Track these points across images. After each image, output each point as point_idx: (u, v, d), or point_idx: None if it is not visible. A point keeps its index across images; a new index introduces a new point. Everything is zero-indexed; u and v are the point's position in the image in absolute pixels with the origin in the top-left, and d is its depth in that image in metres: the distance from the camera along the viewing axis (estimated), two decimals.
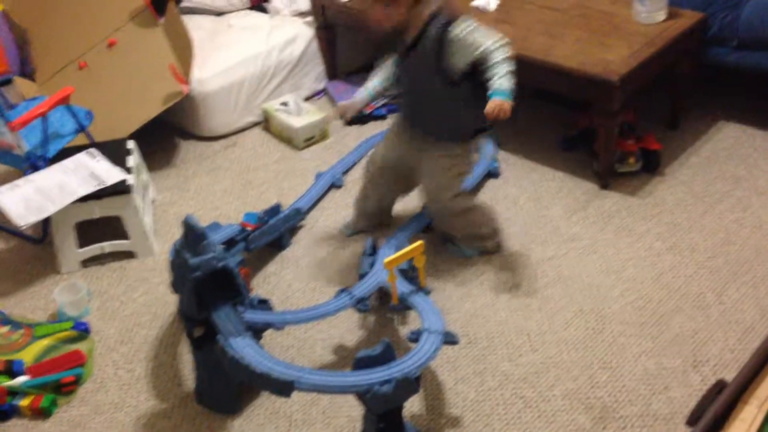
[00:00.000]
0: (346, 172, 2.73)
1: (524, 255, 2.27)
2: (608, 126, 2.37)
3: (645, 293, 2.08)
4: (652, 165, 2.51)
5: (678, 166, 2.55)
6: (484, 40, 1.88)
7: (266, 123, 3.04)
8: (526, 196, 2.51)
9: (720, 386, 1.45)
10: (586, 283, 2.14)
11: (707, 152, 2.60)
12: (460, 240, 2.26)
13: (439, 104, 2.03)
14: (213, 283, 1.77)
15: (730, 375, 1.79)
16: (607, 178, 2.49)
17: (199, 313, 1.78)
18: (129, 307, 2.27)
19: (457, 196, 2.15)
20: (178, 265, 1.79)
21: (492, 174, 2.61)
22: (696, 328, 1.96)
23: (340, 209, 2.56)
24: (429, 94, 2.03)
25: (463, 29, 1.88)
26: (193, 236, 1.75)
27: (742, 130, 2.67)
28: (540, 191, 2.52)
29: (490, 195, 2.53)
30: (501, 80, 1.86)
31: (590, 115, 2.61)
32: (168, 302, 2.26)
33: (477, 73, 1.92)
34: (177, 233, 2.45)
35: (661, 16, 2.50)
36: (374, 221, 2.41)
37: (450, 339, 1.81)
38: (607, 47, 2.40)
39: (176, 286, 1.85)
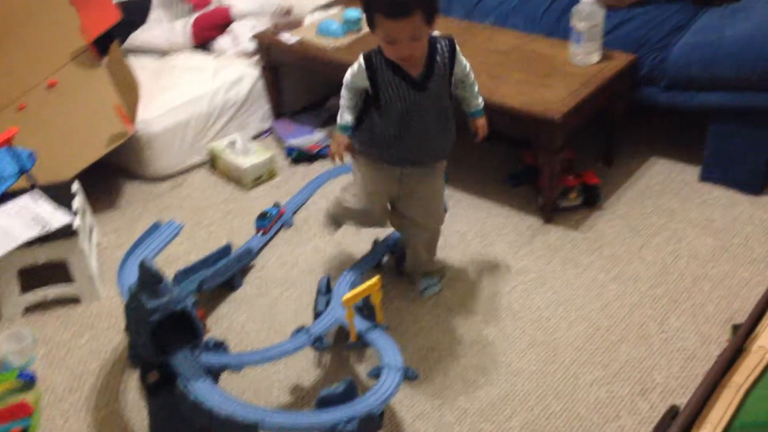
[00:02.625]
0: (295, 212, 2.74)
1: (475, 290, 2.32)
2: (551, 162, 2.46)
3: (593, 323, 2.16)
4: (592, 199, 2.62)
5: (615, 200, 2.66)
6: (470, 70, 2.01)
7: (213, 163, 3.03)
8: (474, 232, 2.57)
9: (673, 412, 1.51)
10: (537, 315, 2.20)
11: (642, 187, 2.72)
12: (431, 273, 2.31)
13: (441, 126, 2.03)
14: (171, 326, 1.75)
15: (676, 401, 1.87)
16: (551, 213, 2.57)
17: (157, 357, 1.75)
18: (76, 354, 2.21)
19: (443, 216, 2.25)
20: (134, 309, 1.77)
21: None
22: (641, 357, 2.04)
23: (291, 248, 2.57)
24: (437, 119, 2.00)
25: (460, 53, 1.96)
26: (149, 279, 1.74)
27: (672, 165, 2.81)
28: (487, 227, 2.59)
29: None
30: (479, 100, 2.06)
31: (534, 152, 2.71)
32: (117, 348, 2.21)
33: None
34: None
35: (596, 58, 2.62)
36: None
37: (409, 374, 1.84)
38: (548, 87, 2.50)
39: (131, 330, 1.82)
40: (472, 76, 2.03)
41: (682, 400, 1.81)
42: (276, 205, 2.68)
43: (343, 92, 1.99)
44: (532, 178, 2.74)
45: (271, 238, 2.60)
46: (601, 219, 2.57)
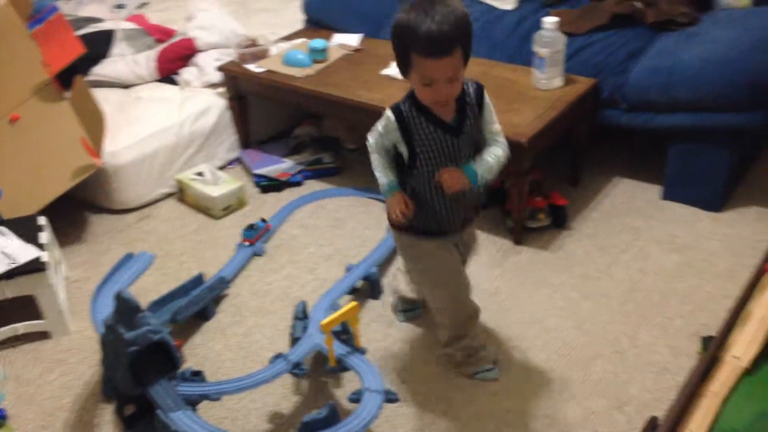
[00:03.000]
0: (266, 240, 2.73)
1: None
2: (519, 185, 2.51)
3: (568, 341, 2.19)
4: (560, 220, 2.67)
5: (582, 220, 2.72)
6: (499, 132, 1.85)
7: (181, 194, 3.02)
8: None
9: (653, 423, 1.54)
10: (512, 335, 2.23)
11: (607, 207, 2.79)
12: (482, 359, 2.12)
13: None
14: (148, 357, 1.73)
15: (652, 413, 1.89)
16: (520, 234, 2.62)
17: (135, 389, 1.73)
18: (47, 390, 2.16)
19: None
20: (111, 341, 1.75)
21: None
22: (616, 371, 2.08)
23: (264, 276, 2.56)
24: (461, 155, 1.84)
25: (489, 101, 1.83)
26: (126, 310, 1.72)
27: (636, 185, 2.88)
28: None
29: None
30: (481, 163, 1.80)
31: (500, 175, 2.75)
32: (88, 382, 2.17)
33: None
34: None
35: (558, 82, 2.69)
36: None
37: (390, 397, 1.84)
38: (514, 112, 2.56)
39: (108, 363, 1.80)
40: (498, 144, 1.84)
41: (657, 412, 1.84)
42: (263, 220, 2.74)
43: (373, 157, 1.84)
44: (499, 201, 2.79)
45: (243, 267, 2.59)
46: (569, 239, 2.62)
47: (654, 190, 2.82)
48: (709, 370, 1.48)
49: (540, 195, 2.67)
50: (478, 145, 1.84)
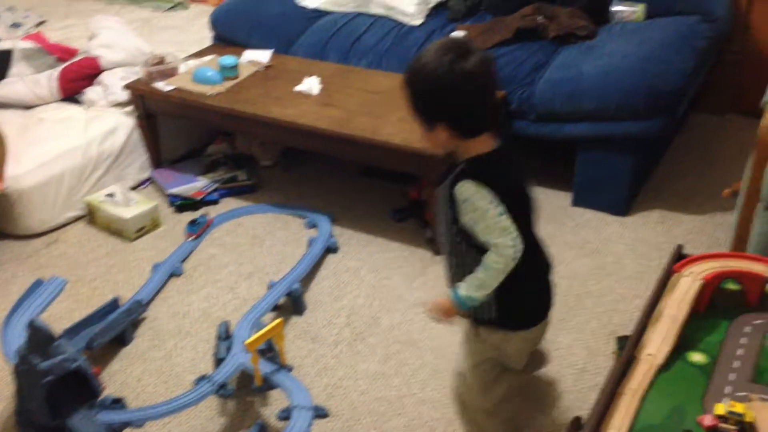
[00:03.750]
0: (184, 260, 2.68)
1: (373, 324, 2.35)
2: (436, 195, 2.55)
3: None
4: None
5: None
6: (485, 235, 1.50)
7: (91, 216, 2.92)
8: (367, 268, 2.61)
9: (577, 424, 1.59)
10: (436, 344, 2.26)
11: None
12: None
13: (456, 259, 1.63)
14: (65, 386, 1.67)
15: (574, 413, 1.96)
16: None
17: (54, 420, 1.66)
18: None
19: None
20: (25, 372, 1.67)
21: (331, 249, 2.69)
22: (537, 375, 2.14)
23: (182, 297, 2.50)
24: (450, 247, 1.63)
25: (469, 197, 1.49)
26: (40, 338, 1.65)
27: (546, 192, 2.98)
28: (378, 262, 2.64)
29: (332, 269, 2.61)
30: (467, 283, 1.55)
31: (418, 187, 2.80)
32: (0, 415, 2.06)
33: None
34: None
35: None
36: None
37: (319, 413, 1.83)
38: None
39: (22, 395, 1.72)
40: (486, 260, 1.50)
41: (579, 412, 1.90)
42: (204, 215, 2.81)
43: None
44: (417, 213, 2.83)
45: (161, 288, 2.53)
46: None
47: (564, 197, 2.93)
48: (627, 368, 1.55)
49: None
50: (455, 227, 1.56)
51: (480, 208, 1.47)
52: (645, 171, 3.00)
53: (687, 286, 1.66)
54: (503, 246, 1.48)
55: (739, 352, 1.55)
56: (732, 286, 1.71)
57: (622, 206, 2.81)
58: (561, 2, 3.06)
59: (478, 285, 1.53)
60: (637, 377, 1.51)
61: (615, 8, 3.06)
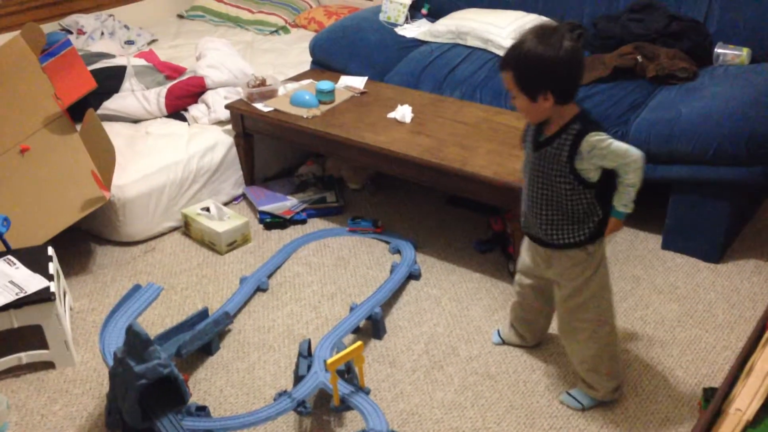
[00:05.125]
0: (270, 276, 2.76)
1: (452, 354, 2.36)
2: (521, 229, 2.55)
3: (569, 386, 2.21)
4: None
5: None
6: (617, 157, 1.84)
7: (186, 228, 3.05)
8: (448, 297, 2.62)
9: None
10: (514, 380, 2.25)
11: (608, 254, 2.80)
12: (591, 391, 2.16)
13: (550, 204, 1.95)
14: (157, 390, 1.75)
15: None
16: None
17: (143, 423, 1.74)
18: (50, 420, 2.16)
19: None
20: (120, 374, 1.76)
21: (413, 276, 2.72)
22: (618, 420, 2.10)
23: (267, 312, 2.58)
24: (544, 191, 1.95)
25: (598, 141, 1.83)
26: (137, 343, 1.74)
27: (636, 234, 2.93)
28: (460, 292, 2.65)
29: (414, 295, 2.63)
30: (621, 201, 1.91)
31: (502, 219, 2.80)
32: (92, 414, 2.17)
33: (605, 180, 1.90)
34: (97, 342, 2.41)
35: None
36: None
37: None
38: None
39: (117, 395, 1.81)
40: (628, 177, 1.87)
41: None
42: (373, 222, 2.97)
43: None
44: (501, 244, 2.83)
45: (247, 302, 2.61)
46: None
47: (654, 240, 2.87)
48: (714, 422, 1.51)
49: None
50: (553, 180, 1.91)
51: (605, 146, 1.82)
52: (742, 218, 2.91)
53: None
54: (635, 161, 1.84)
55: None
56: None
57: (715, 253, 2.73)
58: (662, 43, 3.02)
59: (630, 201, 1.91)
60: None
61: (718, 51, 3.00)
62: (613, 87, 2.91)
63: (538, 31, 1.80)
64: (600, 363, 2.08)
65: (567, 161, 1.86)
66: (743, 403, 1.52)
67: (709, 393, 2.01)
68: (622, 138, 2.75)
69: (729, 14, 3.06)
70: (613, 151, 1.82)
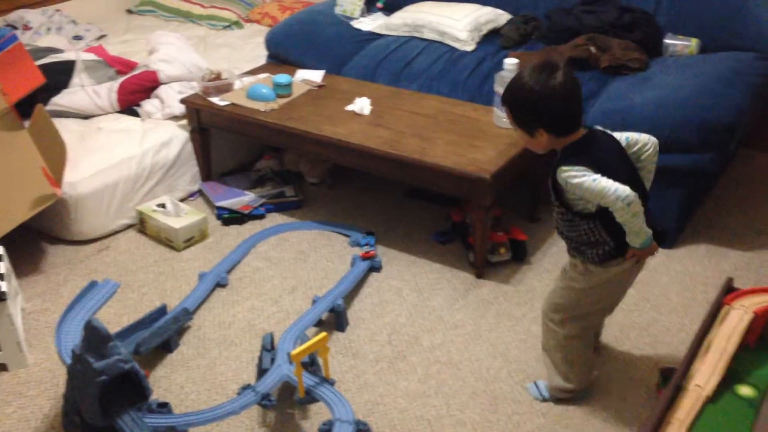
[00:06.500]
0: (229, 271, 2.72)
1: (414, 343, 2.36)
2: (482, 219, 2.57)
3: (531, 372, 2.23)
4: (520, 254, 2.74)
5: (542, 255, 2.79)
6: (592, 195, 1.77)
7: (141, 225, 2.99)
8: (409, 288, 2.63)
9: None
10: (476, 367, 2.26)
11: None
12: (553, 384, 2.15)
13: (563, 220, 1.92)
14: (118, 386, 1.71)
15: None
16: (482, 268, 2.67)
17: (104, 420, 1.70)
18: (4, 423, 2.09)
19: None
20: (79, 371, 1.72)
21: (374, 268, 2.72)
22: (579, 403, 2.12)
23: (227, 307, 2.55)
24: (558, 208, 1.91)
25: (567, 177, 1.77)
26: (96, 339, 1.70)
27: None
28: (421, 283, 2.66)
29: (375, 287, 2.63)
30: (627, 235, 1.81)
31: (462, 210, 2.82)
32: (48, 415, 2.11)
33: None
34: (51, 342, 2.35)
35: None
36: None
37: (361, 427, 1.85)
38: (477, 148, 2.63)
39: (75, 393, 1.76)
40: (618, 215, 1.77)
41: None
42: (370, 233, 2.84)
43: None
44: (461, 235, 2.85)
45: (206, 298, 2.58)
46: (529, 273, 2.69)
47: None
48: (674, 398, 1.54)
49: (501, 230, 2.74)
50: (555, 200, 1.89)
51: (576, 183, 1.76)
52: (693, 204, 2.98)
53: (737, 318, 1.66)
54: (612, 202, 1.74)
55: None
56: None
57: (668, 239, 2.78)
58: (614, 34, 3.07)
59: (632, 236, 1.81)
60: (684, 408, 1.51)
61: (668, 41, 3.06)
62: None
63: (534, 67, 1.79)
64: (553, 356, 2.08)
65: (553, 192, 1.87)
66: (702, 379, 1.56)
67: (665, 374, 2.05)
68: None
69: (678, 6, 3.13)
70: (587, 189, 1.75)
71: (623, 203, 1.73)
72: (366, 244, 2.66)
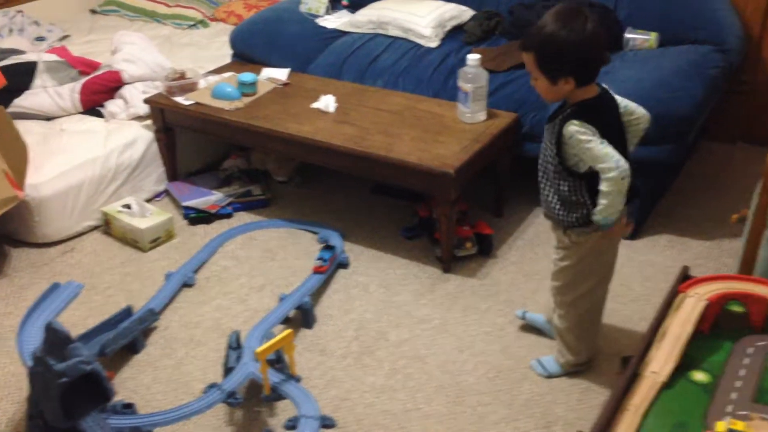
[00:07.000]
0: (197, 271, 2.72)
1: (381, 339, 2.38)
2: (447, 214, 2.59)
3: (495, 364, 2.26)
4: (486, 248, 2.76)
5: (507, 248, 2.82)
6: (591, 159, 1.83)
7: (107, 226, 2.97)
8: (376, 283, 2.64)
9: None
10: (442, 360, 2.28)
11: (530, 235, 2.90)
12: (562, 359, 2.22)
13: (549, 179, 1.96)
14: (79, 389, 1.70)
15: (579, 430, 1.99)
16: (449, 262, 2.69)
17: (66, 422, 1.69)
18: None
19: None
20: (41, 374, 1.71)
21: (341, 264, 2.73)
22: (542, 392, 2.16)
23: (194, 307, 2.54)
24: (545, 166, 1.96)
25: (576, 132, 1.82)
26: (57, 341, 1.69)
27: None
28: (388, 278, 2.67)
29: (342, 283, 2.64)
30: (599, 210, 1.88)
31: (428, 205, 2.84)
32: (12, 419, 2.10)
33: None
34: (14, 345, 2.33)
35: (482, 116, 2.81)
36: None
37: (327, 423, 1.86)
38: (441, 144, 2.65)
39: (37, 395, 1.75)
40: (603, 185, 1.84)
41: (583, 429, 1.92)
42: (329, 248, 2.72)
43: None
44: (427, 230, 2.86)
45: (173, 298, 2.57)
46: (495, 266, 2.71)
47: None
48: (630, 385, 1.57)
49: (467, 225, 2.76)
50: (549, 157, 1.92)
51: (584, 140, 1.81)
52: (655, 196, 3.02)
53: (691, 306, 1.69)
54: (608, 169, 1.80)
55: (742, 372, 1.57)
56: (737, 308, 1.73)
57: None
58: None
59: (605, 208, 1.86)
60: (640, 394, 1.53)
61: (628, 36, 3.10)
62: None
63: (561, 14, 1.79)
64: (566, 337, 2.16)
65: (555, 142, 1.87)
66: (658, 366, 1.58)
67: (626, 362, 2.08)
68: (538, 122, 2.82)
69: (637, 0, 3.17)
70: (589, 150, 1.81)
71: (619, 174, 1.81)
72: (320, 258, 2.62)
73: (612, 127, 1.90)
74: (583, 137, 1.82)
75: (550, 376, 2.21)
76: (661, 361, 1.59)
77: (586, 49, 1.79)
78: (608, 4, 3.21)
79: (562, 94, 1.87)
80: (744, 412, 1.46)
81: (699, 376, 1.58)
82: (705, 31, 3.05)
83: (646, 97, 2.64)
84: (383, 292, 2.60)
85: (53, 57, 3.48)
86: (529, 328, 2.40)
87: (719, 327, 1.71)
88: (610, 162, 1.81)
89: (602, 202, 1.87)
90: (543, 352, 2.29)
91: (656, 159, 2.69)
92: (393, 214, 3.05)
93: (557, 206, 1.97)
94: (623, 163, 1.82)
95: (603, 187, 1.85)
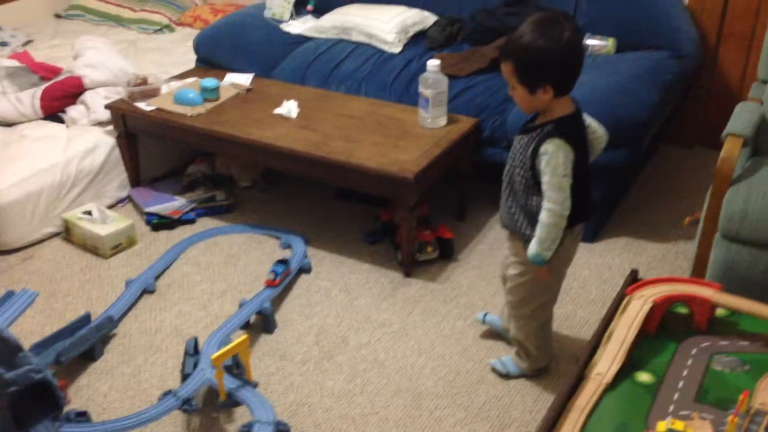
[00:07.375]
0: (158, 277, 2.71)
1: (342, 343, 2.39)
2: (407, 219, 2.61)
3: (454, 367, 2.28)
4: (447, 252, 2.78)
5: (468, 252, 2.85)
6: (548, 177, 1.82)
7: (67, 233, 2.95)
8: (338, 288, 2.65)
9: None
10: (401, 364, 2.30)
11: (491, 239, 2.93)
12: (521, 361, 2.24)
13: (513, 191, 1.96)
14: (30, 397, 1.69)
15: None
16: (410, 266, 2.71)
17: (16, 431, 1.68)
18: None
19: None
20: None
21: (304, 269, 2.73)
22: (499, 395, 2.18)
23: (154, 314, 2.53)
24: (511, 179, 1.95)
25: (551, 149, 1.81)
26: (6, 349, 1.68)
27: None
28: (350, 283, 2.68)
29: (304, 288, 2.65)
30: (538, 242, 1.87)
31: (390, 210, 2.86)
32: None
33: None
34: None
35: (443, 121, 2.83)
36: None
37: (281, 428, 1.86)
38: (401, 149, 2.67)
39: None
40: (546, 201, 1.83)
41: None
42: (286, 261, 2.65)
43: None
44: (389, 235, 2.88)
45: (133, 304, 2.56)
46: (456, 270, 2.74)
47: None
48: (576, 386, 1.60)
49: (428, 229, 2.78)
50: (518, 171, 1.90)
51: (555, 163, 1.80)
52: (613, 199, 3.07)
53: (637, 308, 1.72)
54: (555, 201, 1.81)
55: (685, 373, 1.60)
56: (682, 309, 1.77)
57: (589, 233, 2.87)
58: None
59: (542, 241, 1.85)
60: (585, 395, 1.56)
61: (586, 42, 3.15)
62: (491, 78, 3.01)
63: (539, 22, 1.78)
64: (525, 346, 2.17)
65: (531, 156, 1.85)
66: (603, 367, 1.62)
67: None
68: (499, 127, 2.86)
69: (595, 7, 3.22)
70: (553, 173, 1.79)
71: (562, 211, 1.82)
72: (272, 272, 2.57)
73: (585, 144, 1.93)
74: (557, 160, 1.80)
75: (508, 375, 2.23)
76: (606, 363, 1.62)
77: (564, 58, 1.78)
78: (568, 10, 3.25)
79: (541, 104, 1.85)
80: (686, 412, 1.49)
81: (644, 376, 1.61)
82: (661, 37, 3.10)
83: (601, 101, 2.70)
84: (345, 296, 2.61)
85: (14, 63, 3.45)
86: (489, 331, 2.42)
87: (665, 328, 1.75)
88: (561, 196, 1.81)
89: (540, 233, 1.85)
90: (502, 354, 2.31)
91: (612, 163, 2.72)
92: (356, 218, 3.06)
93: (521, 219, 1.95)
94: (568, 206, 1.83)
95: (543, 217, 1.84)
